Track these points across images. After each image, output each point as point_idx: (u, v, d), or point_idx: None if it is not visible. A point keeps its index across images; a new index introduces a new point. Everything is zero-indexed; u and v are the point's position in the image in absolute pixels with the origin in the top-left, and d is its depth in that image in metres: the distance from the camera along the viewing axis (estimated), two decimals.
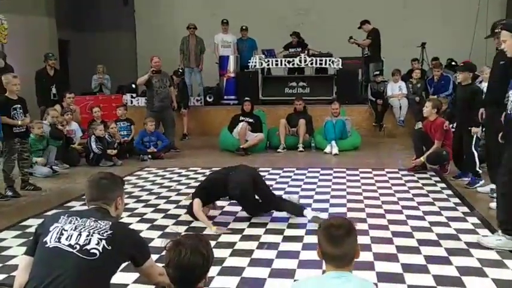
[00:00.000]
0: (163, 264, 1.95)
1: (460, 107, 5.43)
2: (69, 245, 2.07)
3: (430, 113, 5.83)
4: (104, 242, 2.10)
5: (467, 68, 5.43)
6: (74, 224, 2.15)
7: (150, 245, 3.57)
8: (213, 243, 2.06)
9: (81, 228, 2.13)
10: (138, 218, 4.27)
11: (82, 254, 2.05)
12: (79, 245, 2.07)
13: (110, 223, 2.20)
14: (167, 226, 4.05)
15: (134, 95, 10.17)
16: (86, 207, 2.43)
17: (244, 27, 10.44)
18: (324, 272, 1.94)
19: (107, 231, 2.13)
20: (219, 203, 4.51)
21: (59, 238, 2.10)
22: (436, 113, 5.84)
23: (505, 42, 3.47)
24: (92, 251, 2.07)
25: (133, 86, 10.32)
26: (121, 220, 4.14)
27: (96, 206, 2.31)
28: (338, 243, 1.85)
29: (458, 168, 5.67)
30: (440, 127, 5.70)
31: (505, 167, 3.41)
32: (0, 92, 5.43)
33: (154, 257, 3.30)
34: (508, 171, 3.38)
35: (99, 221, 2.18)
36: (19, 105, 5.23)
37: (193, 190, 5.23)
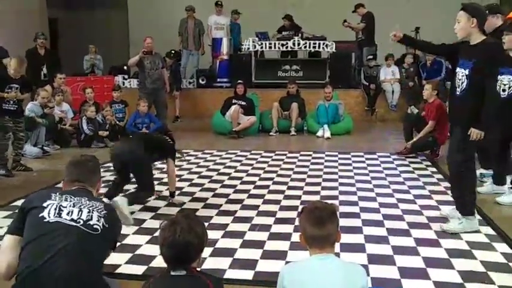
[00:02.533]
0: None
1: None
2: (72, 220, 2.08)
3: (430, 95, 5.82)
4: (102, 219, 2.15)
5: None
6: (70, 201, 2.16)
7: (142, 226, 3.61)
8: (205, 224, 2.07)
9: (80, 205, 2.15)
10: (140, 206, 4.25)
11: (86, 228, 2.08)
12: (82, 219, 2.10)
13: (103, 204, 2.25)
14: (159, 208, 4.05)
15: (126, 76, 10.06)
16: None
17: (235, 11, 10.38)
18: None
19: (103, 210, 2.19)
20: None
21: (59, 214, 2.09)
22: (436, 95, 5.84)
23: (459, 23, 3.29)
24: (94, 226, 2.11)
25: (125, 67, 10.20)
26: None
27: (81, 187, 2.31)
28: (323, 224, 1.90)
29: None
30: (436, 108, 5.71)
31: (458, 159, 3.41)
32: None
33: (146, 238, 3.34)
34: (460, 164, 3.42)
35: (92, 201, 2.21)
36: (16, 85, 5.21)
37: (184, 172, 5.27)
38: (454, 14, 3.41)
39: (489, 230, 3.47)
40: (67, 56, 11.73)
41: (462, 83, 3.32)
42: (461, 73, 3.32)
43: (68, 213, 2.10)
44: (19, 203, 4.06)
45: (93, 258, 2.08)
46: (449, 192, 4.43)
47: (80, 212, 2.12)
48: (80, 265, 2.00)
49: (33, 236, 2.05)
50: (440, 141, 5.78)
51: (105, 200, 3.38)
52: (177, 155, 4.46)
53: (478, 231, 3.42)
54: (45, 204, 2.13)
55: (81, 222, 2.09)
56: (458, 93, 3.35)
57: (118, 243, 2.48)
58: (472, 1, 3.56)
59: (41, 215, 2.09)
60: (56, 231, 2.04)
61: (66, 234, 2.04)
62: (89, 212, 2.13)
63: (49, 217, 2.08)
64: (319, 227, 1.90)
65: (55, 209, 2.11)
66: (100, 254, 2.16)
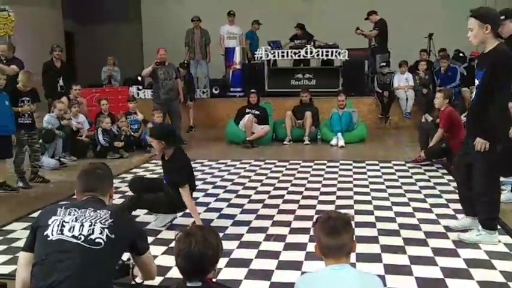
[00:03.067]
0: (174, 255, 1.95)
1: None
2: (73, 236, 2.06)
3: (441, 103, 5.77)
4: (106, 230, 2.11)
5: None
6: (73, 215, 2.14)
7: (157, 236, 3.64)
8: (220, 235, 2.08)
9: (83, 219, 2.12)
10: (146, 210, 4.29)
11: (87, 244, 2.06)
12: (83, 235, 2.07)
13: (110, 212, 2.21)
14: (175, 218, 4.07)
15: (140, 87, 10.18)
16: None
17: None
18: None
19: (107, 220, 2.15)
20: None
21: (61, 230, 2.08)
22: (447, 103, 5.78)
23: (472, 30, 3.20)
24: (96, 240, 2.07)
25: (140, 78, 10.32)
26: None
27: (91, 197, 2.31)
28: (337, 233, 1.89)
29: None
30: (446, 115, 5.65)
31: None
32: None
33: (162, 248, 3.36)
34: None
35: (98, 211, 2.18)
36: (28, 98, 5.29)
37: (199, 182, 5.28)
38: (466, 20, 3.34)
39: (508, 239, 3.41)
40: (83, 67, 11.95)
41: (474, 93, 3.33)
42: (476, 83, 3.32)
43: (69, 229, 2.08)
44: (36, 214, 4.13)
45: (99, 273, 2.07)
46: None
47: (81, 227, 2.09)
48: (87, 284, 2.01)
49: (40, 256, 2.07)
50: (454, 148, 5.70)
51: None
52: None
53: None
54: (50, 222, 2.13)
55: (82, 238, 2.06)
56: (472, 103, 3.37)
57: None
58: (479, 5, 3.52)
59: (45, 233, 2.10)
60: (59, 250, 2.04)
61: (68, 252, 2.03)
62: (90, 226, 2.10)
63: (52, 235, 2.08)
64: (334, 237, 1.90)
65: (58, 225, 2.11)
66: (107, 266, 2.14)
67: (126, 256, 2.44)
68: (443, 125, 5.69)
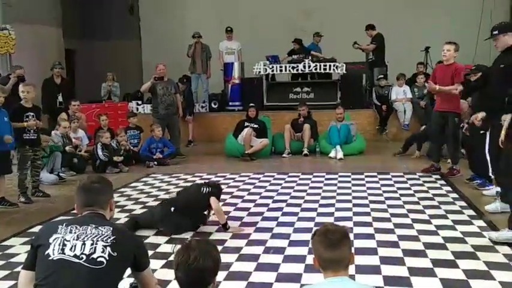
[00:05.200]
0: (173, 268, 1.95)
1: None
2: (75, 256, 2.02)
3: (451, 56, 5.52)
4: (108, 248, 2.07)
5: (478, 69, 5.44)
6: (75, 233, 2.09)
7: (157, 250, 3.63)
8: (219, 248, 2.08)
9: (84, 237, 2.08)
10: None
11: (89, 264, 2.02)
12: (85, 254, 2.03)
13: (111, 228, 2.16)
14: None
15: (140, 102, 10.23)
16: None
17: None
18: None
19: (110, 237, 2.10)
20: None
21: (63, 250, 2.04)
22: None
23: (498, 42, 3.63)
24: (98, 259, 2.03)
25: (139, 93, 10.39)
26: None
27: (91, 212, 2.26)
28: (335, 246, 1.90)
29: (472, 170, 5.63)
30: (460, 68, 5.49)
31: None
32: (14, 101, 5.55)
33: (161, 262, 3.35)
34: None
35: (99, 228, 2.13)
36: (32, 113, 5.33)
37: None
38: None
39: (507, 250, 3.40)
40: (83, 84, 12.00)
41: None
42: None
43: (71, 248, 2.04)
44: (36, 229, 4.14)
45: None
46: (464, 211, 4.41)
47: (83, 246, 2.05)
48: None
49: (41, 277, 2.03)
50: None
51: None
52: None
53: (496, 252, 3.37)
54: (51, 240, 2.08)
55: (84, 257, 2.02)
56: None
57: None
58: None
59: (46, 252, 2.05)
60: (60, 271, 2.00)
61: (69, 273, 2.00)
62: (92, 244, 2.05)
63: (53, 254, 2.04)
64: (332, 250, 1.90)
65: (59, 244, 2.06)
66: (110, 285, 2.10)
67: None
68: (458, 80, 5.44)
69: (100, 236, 2.09)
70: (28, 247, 3.66)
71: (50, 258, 2.02)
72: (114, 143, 7.22)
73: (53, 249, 2.04)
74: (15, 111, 5.18)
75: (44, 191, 5.63)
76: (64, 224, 2.15)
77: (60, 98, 8.35)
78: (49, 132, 6.82)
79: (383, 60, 9.72)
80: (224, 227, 4.05)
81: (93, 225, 2.13)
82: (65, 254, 2.02)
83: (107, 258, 2.04)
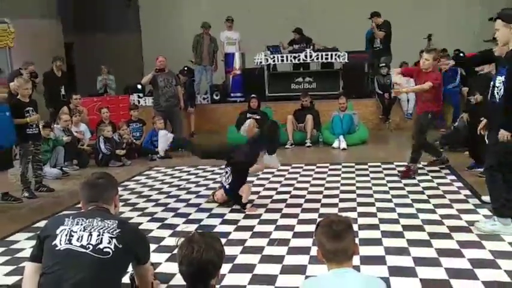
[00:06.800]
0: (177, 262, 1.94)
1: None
2: (82, 246, 2.07)
3: (430, 65, 5.35)
4: (114, 240, 2.11)
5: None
6: (81, 225, 2.14)
7: (161, 244, 3.63)
8: (223, 240, 2.08)
9: (91, 228, 2.13)
10: (149, 217, 4.30)
11: (96, 254, 2.06)
12: (91, 245, 2.07)
13: (117, 221, 2.21)
14: (178, 225, 4.07)
15: (141, 94, 10.21)
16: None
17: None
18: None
19: (115, 230, 2.15)
20: None
21: (70, 240, 2.09)
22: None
23: (498, 31, 3.43)
24: (105, 250, 2.08)
25: (139, 86, 10.36)
26: (132, 220, 4.20)
27: (96, 207, 2.31)
28: (340, 237, 1.89)
29: (473, 158, 5.60)
30: (438, 75, 5.37)
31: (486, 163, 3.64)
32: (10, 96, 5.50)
33: (165, 256, 3.35)
34: (485, 169, 3.64)
35: (105, 220, 2.19)
36: (31, 108, 5.31)
37: (202, 188, 5.29)
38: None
39: None
40: (83, 77, 11.98)
41: (500, 89, 3.42)
42: (499, 81, 3.42)
43: (78, 239, 2.09)
44: (40, 224, 4.15)
45: (107, 282, 2.08)
46: (470, 200, 4.38)
47: (90, 237, 2.10)
48: None
49: (48, 266, 2.07)
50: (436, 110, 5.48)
51: None
52: None
53: (501, 240, 3.35)
54: (58, 231, 2.14)
55: (91, 247, 2.07)
56: (497, 100, 3.45)
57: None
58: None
59: (53, 243, 2.10)
60: (68, 260, 2.04)
61: (77, 262, 2.03)
62: (98, 235, 2.10)
63: (60, 244, 2.08)
64: (336, 241, 1.89)
65: (66, 235, 2.11)
66: (115, 275, 2.14)
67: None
68: (437, 82, 5.30)
69: (106, 228, 2.14)
70: (32, 242, 3.69)
71: (58, 248, 2.08)
72: (116, 137, 7.21)
73: (60, 240, 2.09)
74: (14, 107, 5.15)
75: (48, 186, 5.63)
76: (71, 217, 2.21)
77: (63, 91, 8.34)
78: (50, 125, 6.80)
79: (389, 48, 9.60)
80: (243, 206, 4.31)
81: (99, 218, 2.19)
82: (72, 244, 2.08)
83: (113, 249, 2.09)
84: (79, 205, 4.71)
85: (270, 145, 4.68)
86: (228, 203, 4.51)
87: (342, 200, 4.58)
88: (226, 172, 4.50)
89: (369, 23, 9.76)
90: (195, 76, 10.01)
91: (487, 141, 4.88)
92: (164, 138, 5.00)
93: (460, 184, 4.95)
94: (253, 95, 8.09)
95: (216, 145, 4.97)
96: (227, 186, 4.46)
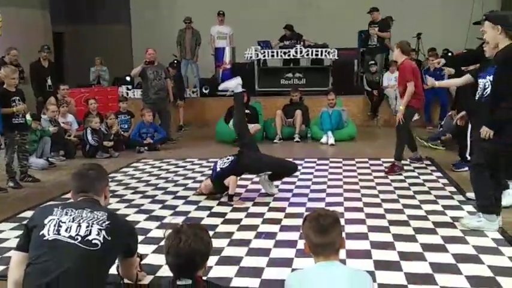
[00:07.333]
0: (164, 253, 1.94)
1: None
2: (70, 237, 2.05)
3: (399, 56, 5.54)
4: (103, 232, 2.10)
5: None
6: (71, 215, 2.12)
7: (147, 235, 3.62)
8: (210, 233, 2.09)
9: (80, 220, 2.11)
10: (136, 209, 4.28)
11: (84, 245, 2.05)
12: (80, 236, 2.06)
13: (106, 213, 2.20)
14: (165, 217, 4.06)
15: (130, 87, 10.14)
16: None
17: None
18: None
19: (105, 222, 2.14)
20: None
21: (58, 230, 2.07)
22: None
23: (486, 32, 3.45)
24: (93, 241, 2.06)
25: (128, 78, 10.30)
26: (119, 211, 4.18)
27: (86, 197, 2.29)
28: (327, 231, 1.91)
29: (460, 156, 5.66)
30: (409, 67, 5.44)
31: (473, 160, 3.69)
32: None
33: (152, 247, 3.35)
34: (472, 165, 3.66)
35: (95, 212, 2.17)
36: (17, 97, 5.24)
37: (189, 181, 5.28)
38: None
39: (496, 234, 3.45)
40: (72, 68, 11.85)
41: (486, 88, 3.47)
42: (487, 80, 3.47)
43: (66, 230, 2.07)
44: (26, 214, 4.11)
45: (94, 274, 2.07)
46: (455, 197, 4.44)
47: (79, 228, 2.08)
48: (82, 284, 2.00)
49: (35, 256, 2.05)
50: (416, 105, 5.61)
51: None
52: None
53: (485, 236, 3.41)
54: (46, 221, 2.11)
55: (79, 239, 2.05)
56: (483, 99, 3.51)
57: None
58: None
59: (41, 232, 2.08)
60: (55, 250, 2.03)
61: (64, 253, 2.02)
62: (87, 227, 2.09)
63: (48, 234, 2.06)
64: (323, 235, 1.91)
65: (54, 225, 2.09)
66: (102, 267, 2.13)
67: None
68: (411, 78, 5.41)
69: (95, 220, 2.12)
70: (17, 232, 3.65)
71: (45, 238, 2.05)
72: (103, 128, 7.15)
73: (48, 230, 2.07)
74: (0, 96, 5.08)
75: (33, 176, 5.56)
76: (60, 207, 2.19)
77: (49, 81, 8.24)
78: (39, 117, 6.74)
79: (385, 46, 9.64)
80: (230, 198, 4.31)
81: (89, 210, 2.17)
82: (60, 234, 2.06)
83: (102, 241, 2.07)
84: (65, 196, 4.68)
85: (277, 175, 4.69)
86: (214, 195, 4.51)
87: (329, 195, 4.61)
88: (228, 158, 4.52)
89: (360, 20, 9.82)
90: (181, 70, 9.98)
91: (468, 135, 5.01)
92: (237, 80, 5.15)
93: (445, 181, 5.02)
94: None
95: (245, 125, 5.10)
96: (218, 169, 4.46)
